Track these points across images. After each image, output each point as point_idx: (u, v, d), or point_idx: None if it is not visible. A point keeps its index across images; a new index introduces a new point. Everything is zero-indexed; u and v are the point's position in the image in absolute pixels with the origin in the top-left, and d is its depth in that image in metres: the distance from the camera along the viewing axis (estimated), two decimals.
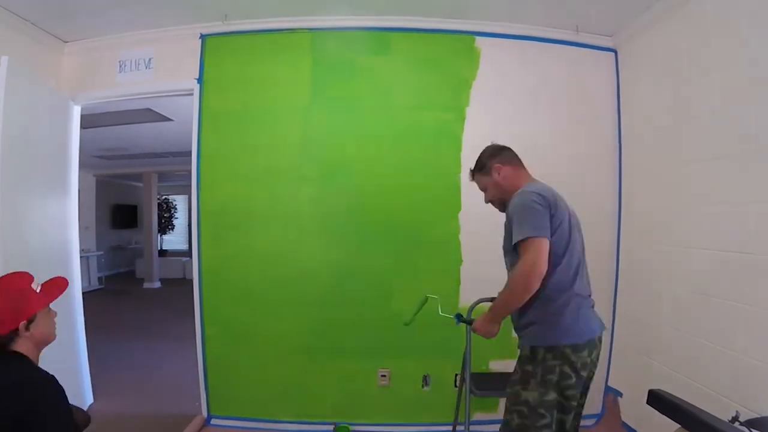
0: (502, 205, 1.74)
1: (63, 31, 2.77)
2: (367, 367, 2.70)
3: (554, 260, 1.48)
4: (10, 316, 1.24)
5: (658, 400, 1.67)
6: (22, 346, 1.27)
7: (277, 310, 2.70)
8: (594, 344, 1.53)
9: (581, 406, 1.60)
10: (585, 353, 1.49)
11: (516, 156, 1.76)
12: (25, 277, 1.33)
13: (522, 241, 1.46)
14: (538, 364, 1.51)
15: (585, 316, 1.54)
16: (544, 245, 1.44)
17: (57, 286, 1.41)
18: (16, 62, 2.27)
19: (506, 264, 1.68)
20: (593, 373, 1.58)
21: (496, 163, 1.72)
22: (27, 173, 2.42)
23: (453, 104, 2.69)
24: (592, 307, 1.61)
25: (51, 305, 1.38)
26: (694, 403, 1.58)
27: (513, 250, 1.54)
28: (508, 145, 1.80)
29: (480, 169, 1.78)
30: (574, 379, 1.48)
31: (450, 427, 2.46)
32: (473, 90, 2.69)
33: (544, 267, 1.42)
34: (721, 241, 1.94)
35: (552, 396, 1.48)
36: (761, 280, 1.73)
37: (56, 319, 1.41)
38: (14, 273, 1.34)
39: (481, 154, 1.79)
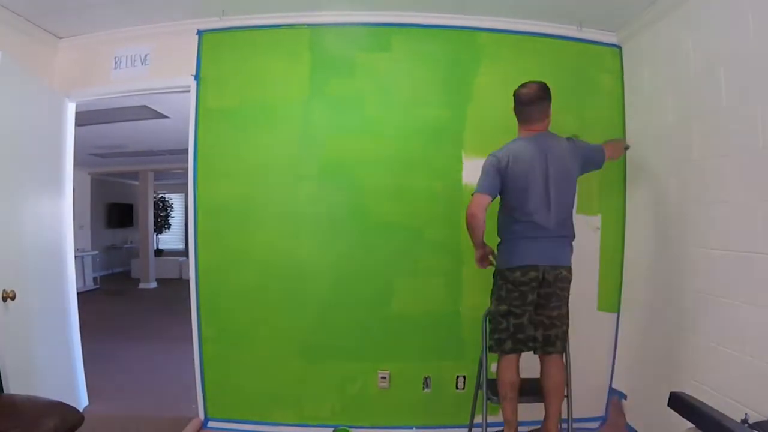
0: None
1: (57, 26, 2.72)
2: (366, 368, 2.67)
3: (503, 208, 2.06)
4: None
5: (680, 402, 1.64)
6: None
7: (275, 310, 2.66)
8: (528, 268, 1.93)
9: (549, 317, 1.97)
10: (518, 274, 1.94)
11: (525, 111, 2.05)
12: None
13: (472, 193, 2.00)
14: (494, 284, 2.10)
15: (522, 248, 1.97)
16: (478, 198, 1.95)
17: None
18: (9, 58, 2.21)
19: None
20: (550, 291, 1.95)
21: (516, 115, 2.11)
22: (20, 171, 2.37)
23: (454, 101, 2.66)
24: (548, 238, 1.96)
25: None
26: None
27: None
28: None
29: None
30: (516, 293, 1.96)
31: (450, 430, 2.44)
32: (474, 87, 2.66)
33: (473, 210, 1.95)
34: (728, 241, 1.92)
35: (503, 307, 1.99)
36: None
37: None
38: None
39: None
